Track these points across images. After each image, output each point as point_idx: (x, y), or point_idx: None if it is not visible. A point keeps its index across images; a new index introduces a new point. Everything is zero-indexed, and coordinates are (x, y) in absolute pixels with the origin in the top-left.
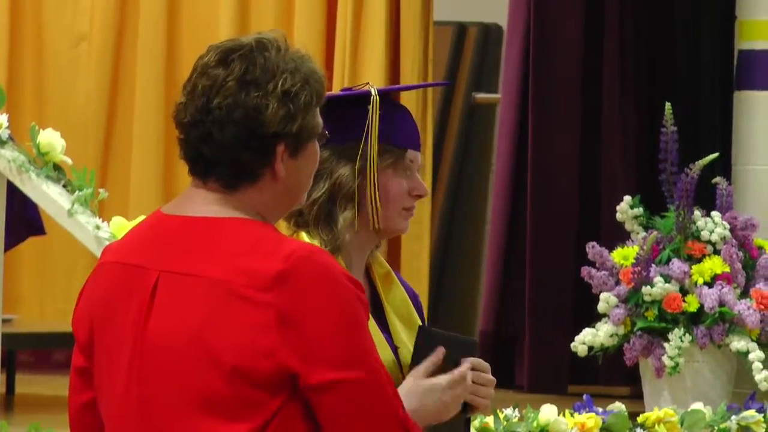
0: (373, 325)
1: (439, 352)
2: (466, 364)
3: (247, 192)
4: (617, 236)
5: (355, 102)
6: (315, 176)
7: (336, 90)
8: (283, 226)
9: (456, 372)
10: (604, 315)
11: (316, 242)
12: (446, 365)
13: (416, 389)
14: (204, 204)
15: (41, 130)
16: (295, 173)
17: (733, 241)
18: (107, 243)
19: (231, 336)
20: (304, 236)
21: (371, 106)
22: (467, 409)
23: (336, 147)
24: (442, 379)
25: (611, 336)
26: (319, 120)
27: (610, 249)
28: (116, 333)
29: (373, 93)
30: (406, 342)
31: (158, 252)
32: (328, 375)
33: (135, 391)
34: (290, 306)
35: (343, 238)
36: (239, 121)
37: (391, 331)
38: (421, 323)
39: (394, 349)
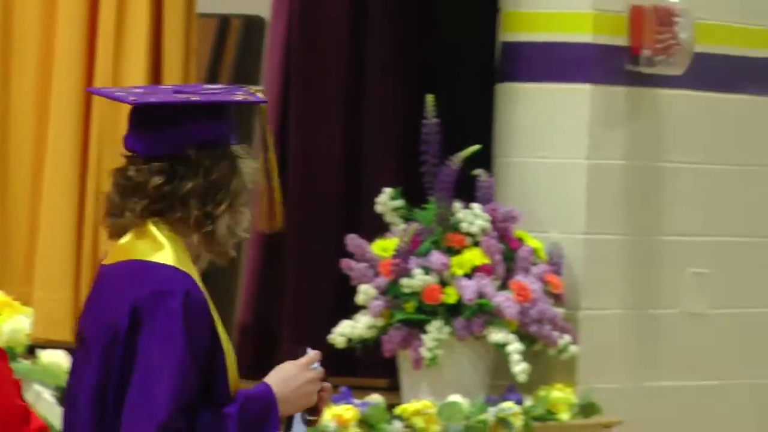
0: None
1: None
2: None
3: None
4: (380, 228)
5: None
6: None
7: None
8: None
9: (319, 370)
10: (365, 307)
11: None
12: None
13: (289, 370)
14: None
15: None
16: None
17: (494, 232)
18: None
19: None
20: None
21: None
22: (314, 412)
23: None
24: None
25: (370, 328)
26: None
27: (372, 241)
28: None
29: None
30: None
31: None
32: None
33: None
34: None
35: None
36: None
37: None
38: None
39: None
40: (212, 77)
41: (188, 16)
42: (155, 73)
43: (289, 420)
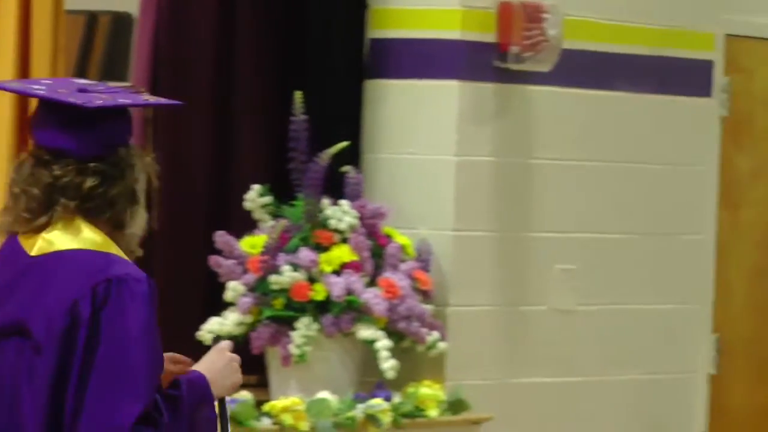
0: None
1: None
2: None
3: None
4: (248, 225)
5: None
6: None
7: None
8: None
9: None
10: (233, 304)
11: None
12: None
13: (210, 355)
14: None
15: None
16: None
17: (362, 229)
18: None
19: None
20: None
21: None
22: None
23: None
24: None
25: (239, 325)
26: None
27: (241, 238)
28: None
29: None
30: None
31: None
32: None
33: None
34: None
35: None
36: None
37: None
38: None
39: None
40: (80, 74)
41: (56, 13)
42: (23, 70)
43: (221, 403)
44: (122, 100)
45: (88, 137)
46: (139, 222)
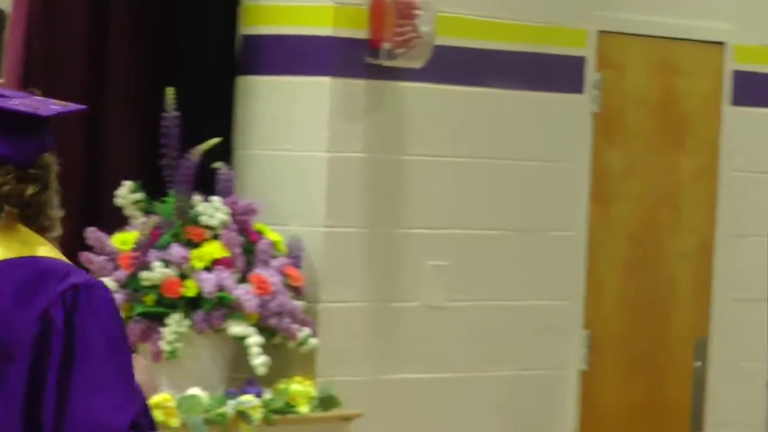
0: None
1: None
2: None
3: None
4: (120, 221)
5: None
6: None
7: None
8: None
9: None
10: None
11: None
12: None
13: (137, 361)
14: None
15: None
16: None
17: (234, 225)
18: None
19: None
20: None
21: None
22: None
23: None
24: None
25: None
26: None
27: (112, 234)
28: None
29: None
30: None
31: None
32: None
33: None
34: None
35: None
36: None
37: None
38: None
39: None
40: None
41: None
42: None
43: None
44: (54, 107)
45: (28, 144)
46: (59, 226)
